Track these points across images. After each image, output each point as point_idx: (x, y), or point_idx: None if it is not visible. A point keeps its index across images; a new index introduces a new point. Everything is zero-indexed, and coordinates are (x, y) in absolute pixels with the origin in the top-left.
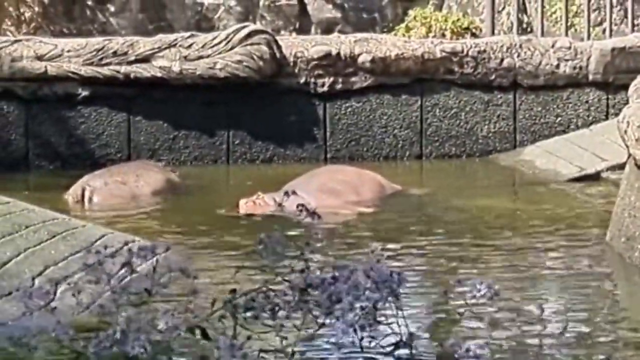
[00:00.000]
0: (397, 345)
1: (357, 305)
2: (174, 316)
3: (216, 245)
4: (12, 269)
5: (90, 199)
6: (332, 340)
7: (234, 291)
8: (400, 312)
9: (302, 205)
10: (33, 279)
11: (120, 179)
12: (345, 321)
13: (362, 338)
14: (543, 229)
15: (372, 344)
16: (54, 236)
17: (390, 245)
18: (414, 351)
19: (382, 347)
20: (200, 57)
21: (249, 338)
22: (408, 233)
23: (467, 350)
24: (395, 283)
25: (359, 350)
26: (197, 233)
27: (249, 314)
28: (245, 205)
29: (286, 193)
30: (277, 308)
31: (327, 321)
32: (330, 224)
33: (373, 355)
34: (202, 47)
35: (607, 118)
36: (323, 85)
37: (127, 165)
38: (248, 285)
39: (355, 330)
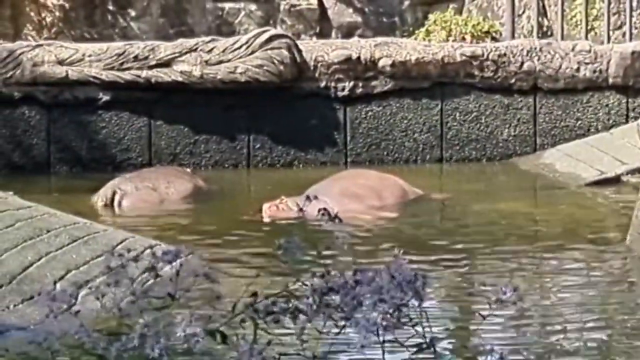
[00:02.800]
0: (420, 347)
1: (381, 306)
2: (192, 323)
3: (239, 250)
4: (34, 273)
5: (120, 203)
6: (355, 341)
7: (255, 295)
8: (424, 314)
9: (324, 209)
10: (55, 283)
11: (152, 185)
12: (368, 322)
13: (384, 341)
14: (563, 232)
15: (395, 345)
16: (75, 240)
17: (413, 250)
18: (437, 352)
19: (406, 347)
20: (221, 62)
21: (269, 343)
22: (431, 238)
23: (491, 350)
24: (420, 284)
25: (382, 351)
26: (221, 238)
27: (269, 318)
28: (268, 210)
29: (308, 198)
30: (298, 311)
31: (350, 323)
32: (352, 229)
33: (396, 357)
34: (223, 51)
35: (627, 121)
36: (343, 89)
37: (158, 171)
38: (269, 289)
39: (378, 332)
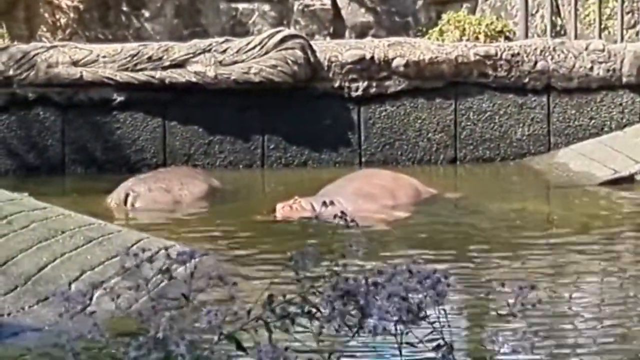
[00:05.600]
0: (438, 346)
1: (400, 303)
2: (217, 315)
3: (253, 251)
4: (49, 274)
5: (133, 204)
6: (372, 337)
7: (271, 297)
8: (443, 312)
9: (342, 212)
10: (70, 283)
11: (165, 186)
12: (385, 319)
13: (400, 343)
14: (577, 231)
15: (413, 343)
16: (90, 241)
17: (427, 250)
18: (454, 352)
19: (423, 343)
20: (235, 62)
21: (286, 349)
22: (445, 238)
23: (505, 343)
24: (441, 282)
25: (398, 350)
26: (235, 239)
27: (285, 320)
28: (282, 210)
29: (324, 203)
30: (313, 315)
31: (369, 321)
32: (367, 230)
33: (413, 355)
34: (237, 52)
35: None
36: (357, 89)
37: (172, 172)
38: (285, 291)
39: (395, 328)
